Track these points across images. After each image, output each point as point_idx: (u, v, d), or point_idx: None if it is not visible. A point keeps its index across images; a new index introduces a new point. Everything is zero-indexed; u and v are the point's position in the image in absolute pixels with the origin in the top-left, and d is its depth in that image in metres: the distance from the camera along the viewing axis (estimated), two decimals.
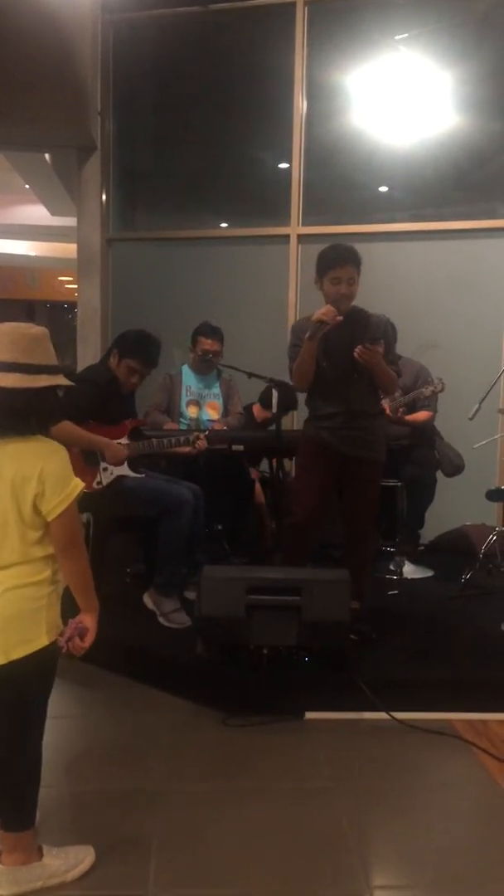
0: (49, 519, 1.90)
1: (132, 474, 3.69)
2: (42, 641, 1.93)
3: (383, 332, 3.37)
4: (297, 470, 3.57)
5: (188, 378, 4.55)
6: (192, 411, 4.48)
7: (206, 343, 4.47)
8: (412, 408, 4.38)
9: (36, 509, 1.89)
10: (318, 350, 3.28)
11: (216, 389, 4.58)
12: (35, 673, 1.95)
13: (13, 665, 1.90)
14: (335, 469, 3.40)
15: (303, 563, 3.52)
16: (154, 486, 3.70)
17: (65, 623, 2.01)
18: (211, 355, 4.47)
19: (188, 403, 4.49)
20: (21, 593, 1.91)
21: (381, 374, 3.30)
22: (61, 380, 1.94)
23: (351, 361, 3.25)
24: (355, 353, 3.21)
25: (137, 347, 3.70)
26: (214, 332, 4.49)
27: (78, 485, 1.94)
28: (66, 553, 1.96)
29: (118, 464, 3.62)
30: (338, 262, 3.26)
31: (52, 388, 1.92)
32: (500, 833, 2.34)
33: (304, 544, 3.54)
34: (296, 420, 5.13)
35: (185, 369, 4.57)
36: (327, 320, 3.17)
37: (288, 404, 4.32)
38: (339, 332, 3.25)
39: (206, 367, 4.52)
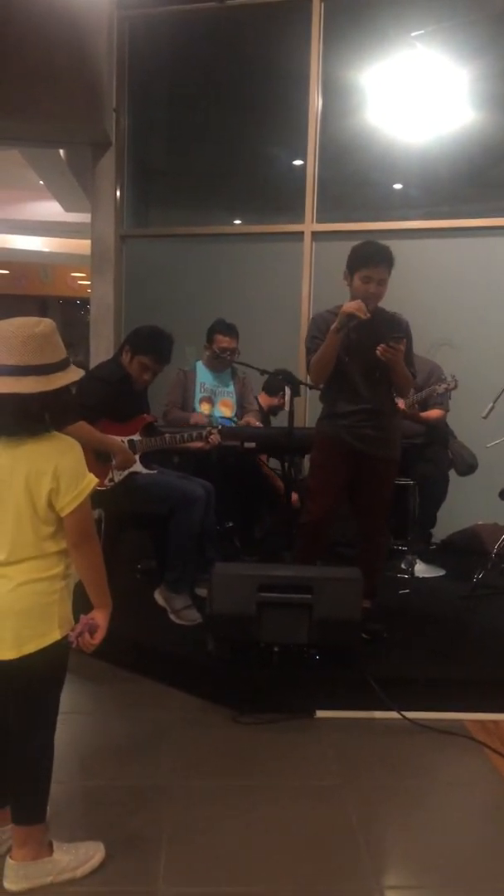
0: (63, 514, 1.91)
1: (144, 471, 3.70)
2: (54, 636, 1.93)
3: (405, 332, 3.36)
4: (313, 468, 3.55)
5: (202, 375, 4.55)
6: (205, 408, 4.48)
7: (223, 340, 4.47)
8: (425, 406, 4.36)
9: (50, 505, 1.90)
10: (340, 346, 3.26)
11: (230, 387, 4.58)
12: (47, 667, 1.95)
13: (26, 659, 1.90)
14: (350, 467, 3.39)
15: (313, 562, 3.51)
16: (166, 483, 3.71)
17: (76, 618, 2.01)
18: (228, 353, 4.47)
19: (202, 400, 4.49)
20: (34, 588, 1.92)
21: (400, 373, 3.30)
22: (73, 373, 1.93)
23: (373, 359, 3.23)
24: (378, 351, 3.19)
25: (150, 343, 3.69)
26: (230, 330, 4.49)
27: (92, 480, 1.94)
28: (79, 549, 1.96)
29: (125, 468, 3.63)
30: (373, 261, 3.23)
31: (67, 386, 1.90)
32: None
33: (319, 543, 3.53)
34: (307, 416, 5.13)
35: (200, 366, 4.57)
36: (359, 314, 3.15)
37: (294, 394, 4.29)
38: (363, 330, 3.24)
39: (221, 364, 4.52)
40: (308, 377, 3.56)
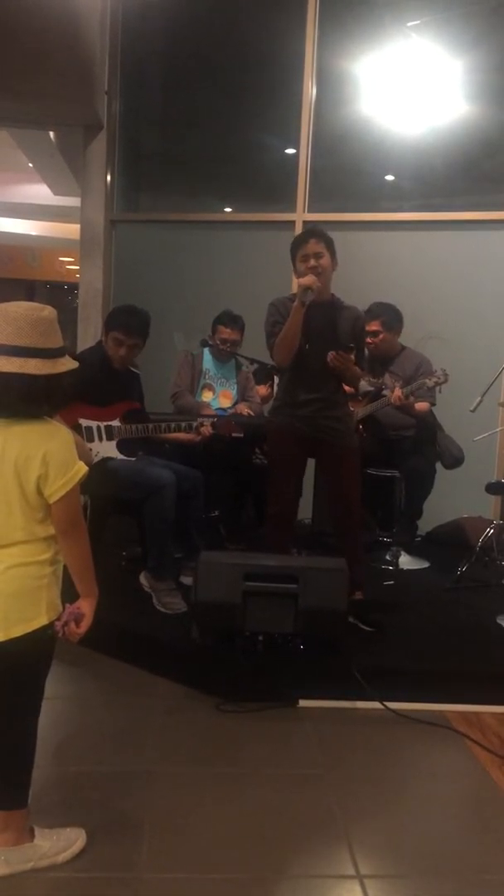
0: (51, 502, 1.90)
1: (119, 456, 3.68)
2: (41, 620, 1.93)
3: (359, 330, 3.51)
4: (270, 460, 3.62)
5: (207, 362, 4.53)
6: (205, 395, 4.46)
7: (225, 332, 4.45)
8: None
9: (39, 491, 1.89)
10: (301, 333, 3.32)
11: (233, 380, 4.57)
12: (33, 652, 1.95)
13: (12, 643, 1.90)
14: (307, 454, 3.52)
15: (285, 550, 3.53)
16: (135, 470, 3.66)
17: (64, 606, 2.00)
18: (228, 344, 4.45)
19: (204, 387, 4.48)
20: (23, 571, 1.91)
21: (349, 375, 3.47)
22: (71, 361, 1.95)
23: (329, 349, 3.32)
24: (328, 359, 3.31)
25: (120, 318, 3.73)
26: (234, 322, 4.47)
27: (81, 469, 1.94)
28: (66, 536, 1.95)
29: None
30: (301, 240, 3.41)
31: (69, 372, 1.92)
32: (490, 823, 2.34)
33: (287, 531, 3.58)
34: None
35: (206, 353, 4.54)
36: (312, 286, 3.24)
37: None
38: (319, 320, 3.34)
39: (224, 355, 4.50)
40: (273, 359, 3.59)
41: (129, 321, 3.71)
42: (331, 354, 3.29)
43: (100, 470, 3.59)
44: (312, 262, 3.34)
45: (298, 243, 3.41)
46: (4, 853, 1.99)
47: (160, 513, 3.58)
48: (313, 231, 3.44)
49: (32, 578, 1.93)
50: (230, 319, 4.47)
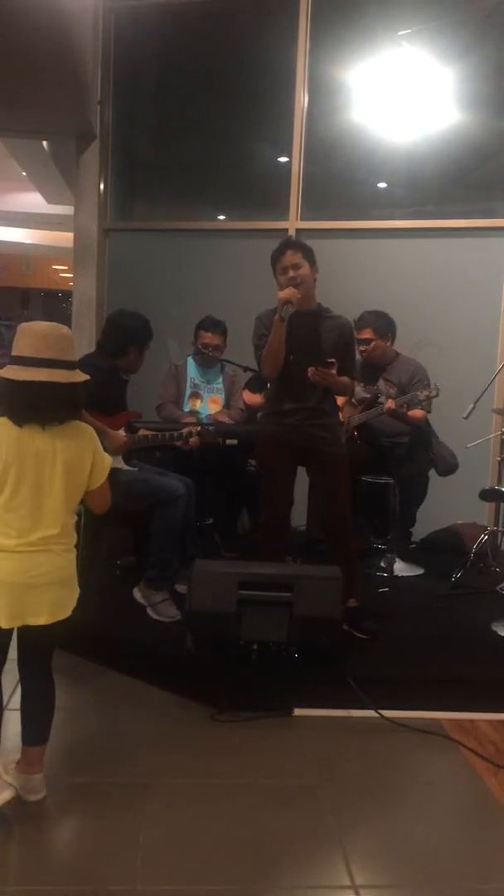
0: (93, 488, 2.33)
1: (125, 467, 3.68)
2: (78, 590, 2.35)
3: (346, 340, 3.50)
4: (261, 468, 3.62)
5: (192, 370, 4.54)
6: (194, 404, 4.47)
7: (206, 336, 4.46)
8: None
9: (85, 482, 2.29)
10: (286, 344, 3.32)
11: (219, 384, 4.57)
12: (63, 626, 2.32)
13: (59, 623, 2.27)
14: (296, 462, 3.52)
15: (279, 558, 3.53)
16: (147, 479, 3.69)
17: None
18: (210, 349, 4.46)
19: (190, 396, 4.48)
20: (69, 558, 2.31)
21: (336, 386, 3.46)
22: (82, 374, 2.27)
23: (316, 359, 3.31)
24: (309, 374, 3.30)
25: (149, 331, 3.84)
26: (216, 326, 4.48)
27: (109, 458, 2.38)
28: (104, 507, 2.46)
29: (116, 453, 3.61)
30: (279, 252, 3.41)
31: (85, 382, 2.26)
32: (486, 832, 2.34)
33: (281, 539, 3.57)
34: None
35: (190, 361, 4.56)
36: (292, 299, 3.25)
37: None
38: (305, 330, 3.34)
39: (208, 360, 4.51)
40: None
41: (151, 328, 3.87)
42: (311, 370, 3.28)
43: (109, 481, 3.58)
44: (291, 273, 3.33)
45: (276, 256, 3.40)
46: (37, 780, 2.34)
47: (170, 523, 3.59)
48: (289, 242, 3.44)
49: (73, 564, 2.31)
50: (212, 324, 4.48)
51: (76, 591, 2.33)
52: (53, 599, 2.24)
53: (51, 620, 2.24)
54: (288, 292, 3.27)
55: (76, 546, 2.51)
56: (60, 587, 2.26)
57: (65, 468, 2.22)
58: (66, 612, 2.28)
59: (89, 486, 2.31)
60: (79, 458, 2.26)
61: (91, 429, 2.33)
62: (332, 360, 3.34)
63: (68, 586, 2.30)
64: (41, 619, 2.22)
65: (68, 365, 2.20)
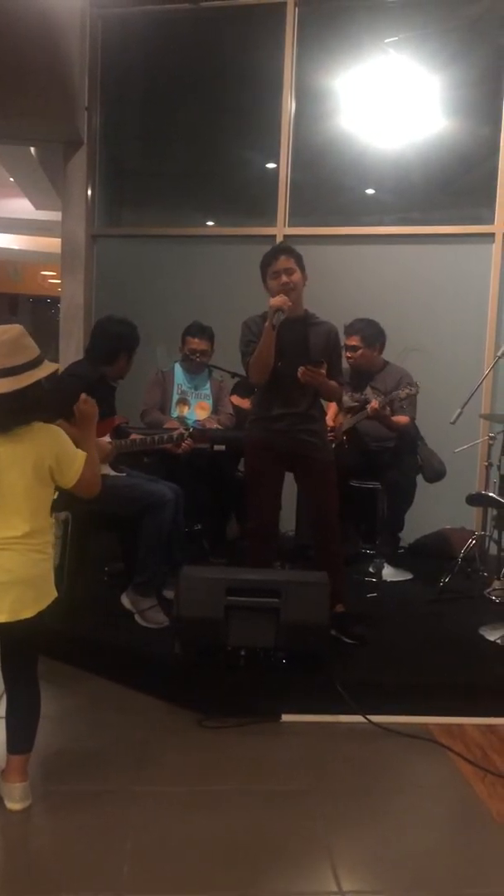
0: (69, 487, 2.33)
1: (112, 473, 3.67)
2: (54, 592, 2.34)
3: (333, 344, 3.50)
4: (249, 474, 3.61)
5: (179, 376, 4.54)
6: (182, 410, 4.46)
7: (193, 342, 4.46)
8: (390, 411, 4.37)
9: (52, 480, 2.29)
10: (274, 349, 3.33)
11: (206, 390, 4.58)
12: (48, 619, 2.32)
13: (39, 614, 2.27)
14: (284, 468, 3.51)
15: (268, 564, 3.52)
16: (135, 485, 3.68)
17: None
18: (198, 355, 4.46)
19: (178, 402, 4.48)
20: (44, 556, 2.31)
21: (324, 388, 3.43)
22: (45, 368, 2.24)
23: (303, 363, 3.31)
24: (298, 374, 3.30)
25: (137, 336, 3.84)
26: (203, 332, 4.48)
27: (82, 454, 2.34)
28: (92, 493, 2.43)
29: (103, 460, 3.61)
30: (272, 256, 3.39)
31: (38, 382, 2.21)
32: (474, 837, 2.34)
33: (270, 545, 3.57)
34: None
35: (177, 367, 4.56)
36: (284, 307, 3.24)
37: None
38: (293, 335, 3.33)
39: (195, 366, 4.51)
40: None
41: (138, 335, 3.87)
42: (301, 370, 3.28)
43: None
44: (284, 278, 3.34)
45: (268, 260, 3.40)
46: (21, 788, 2.32)
47: (157, 529, 3.58)
48: (283, 248, 3.45)
49: (47, 560, 2.32)
50: (199, 330, 4.49)
51: (48, 593, 2.32)
52: (15, 598, 2.22)
53: (11, 619, 2.22)
54: (280, 300, 3.26)
55: (64, 551, 2.55)
56: (24, 586, 2.24)
57: (25, 472, 2.23)
58: (28, 612, 2.25)
59: (64, 484, 2.31)
60: (40, 460, 2.25)
61: (56, 430, 2.31)
62: (322, 360, 3.35)
63: (34, 586, 2.27)
64: (1, 617, 2.21)
65: (11, 371, 2.16)
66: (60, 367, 2.33)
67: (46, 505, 2.31)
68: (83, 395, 2.47)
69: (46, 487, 2.29)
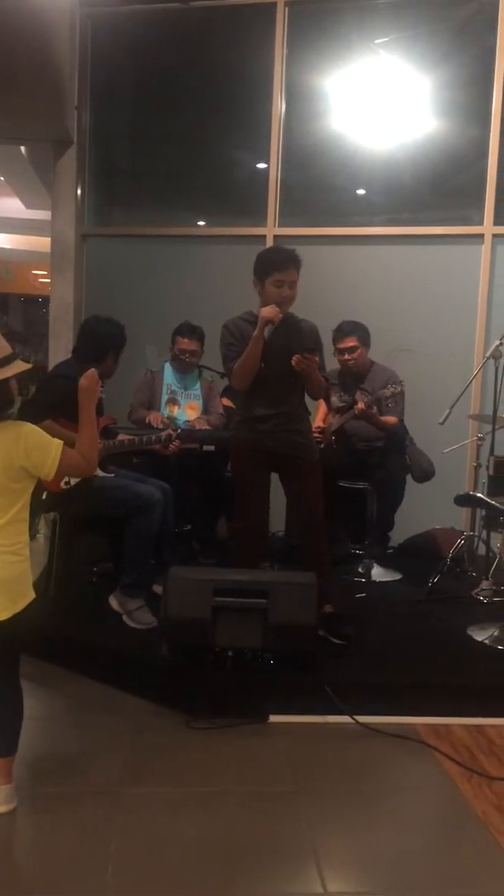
0: (49, 479, 2.29)
1: (101, 473, 3.66)
2: (31, 595, 2.30)
3: (317, 342, 3.47)
4: (235, 477, 3.61)
5: (169, 376, 4.53)
6: (171, 410, 4.46)
7: (184, 342, 4.46)
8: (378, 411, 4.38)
9: (30, 477, 2.25)
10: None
11: (196, 390, 4.57)
12: (28, 621, 2.28)
13: (17, 615, 2.24)
14: (270, 469, 3.50)
15: (256, 564, 3.51)
16: (123, 486, 3.67)
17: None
18: (188, 355, 4.46)
19: (167, 402, 4.48)
20: (20, 555, 2.27)
21: (314, 380, 3.39)
22: (15, 367, 2.22)
23: (287, 365, 3.29)
24: (293, 362, 3.26)
25: (124, 336, 3.83)
26: (193, 332, 4.48)
27: (59, 443, 2.27)
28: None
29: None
30: (283, 265, 3.30)
31: (6, 380, 2.21)
32: (460, 838, 2.35)
33: (258, 545, 3.57)
34: None
35: (167, 367, 4.56)
36: (274, 319, 3.23)
37: None
38: (276, 336, 3.30)
39: (185, 366, 4.51)
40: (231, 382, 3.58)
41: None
42: (296, 357, 3.24)
43: (85, 488, 3.58)
44: (287, 290, 3.30)
45: (276, 266, 3.30)
46: (6, 791, 2.31)
47: (145, 530, 3.58)
48: (294, 258, 3.31)
49: (14, 566, 2.25)
50: (189, 330, 4.48)
51: (24, 595, 2.28)
52: (8, 593, 2.22)
53: (11, 614, 2.22)
54: (272, 312, 3.24)
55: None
56: (15, 581, 2.24)
57: (3, 469, 2.20)
58: (2, 615, 2.21)
59: (43, 476, 2.26)
60: (8, 460, 2.21)
61: (24, 427, 2.26)
62: (315, 348, 3.33)
63: (6, 588, 2.23)
64: (2, 613, 2.21)
65: None
66: (30, 365, 2.29)
67: (19, 505, 2.26)
68: (89, 370, 2.40)
69: (20, 486, 2.24)
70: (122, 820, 2.33)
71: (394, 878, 2.14)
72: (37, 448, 2.24)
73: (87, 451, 2.34)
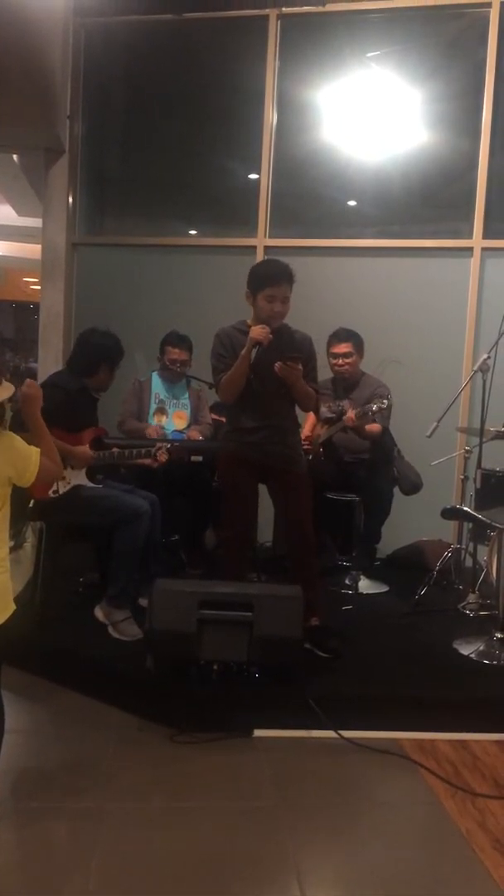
0: (29, 485, 2.32)
1: (89, 483, 3.66)
2: (12, 606, 2.29)
3: (308, 351, 3.45)
4: (223, 485, 3.60)
5: (157, 385, 4.53)
6: (159, 419, 4.45)
7: (174, 352, 4.46)
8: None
9: (8, 485, 2.28)
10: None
11: (185, 399, 4.57)
12: (9, 633, 2.27)
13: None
14: (257, 480, 3.49)
15: (242, 575, 3.51)
16: (110, 496, 3.66)
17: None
18: (178, 364, 4.46)
19: (155, 411, 4.47)
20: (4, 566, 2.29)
21: (299, 390, 3.36)
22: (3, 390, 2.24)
23: (277, 377, 3.29)
24: (275, 368, 3.26)
25: (120, 349, 3.83)
26: (182, 341, 4.48)
27: (37, 451, 2.32)
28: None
29: (84, 466, 3.60)
30: (276, 279, 3.28)
31: None
32: (443, 854, 2.34)
33: (243, 555, 3.58)
34: None
35: (155, 376, 4.55)
36: (263, 341, 3.22)
37: None
38: (268, 349, 3.29)
39: (174, 375, 4.50)
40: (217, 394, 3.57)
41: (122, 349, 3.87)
42: (278, 364, 3.24)
43: (72, 498, 3.57)
44: (279, 306, 3.29)
45: (269, 281, 3.27)
46: None
47: (132, 541, 3.57)
48: (288, 274, 3.29)
49: (4, 573, 2.28)
50: (177, 339, 4.48)
51: (4, 607, 2.26)
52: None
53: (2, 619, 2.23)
54: (262, 334, 3.23)
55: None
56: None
57: None
58: (5, 615, 2.24)
59: (24, 483, 2.30)
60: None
61: (9, 435, 2.29)
62: (297, 355, 3.28)
63: (5, 590, 2.26)
64: None
65: None
66: (14, 388, 2.31)
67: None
68: (27, 380, 2.40)
69: (2, 492, 2.27)
70: (104, 835, 2.31)
71: (373, 892, 2.13)
72: (21, 457, 2.29)
73: (54, 456, 2.39)
